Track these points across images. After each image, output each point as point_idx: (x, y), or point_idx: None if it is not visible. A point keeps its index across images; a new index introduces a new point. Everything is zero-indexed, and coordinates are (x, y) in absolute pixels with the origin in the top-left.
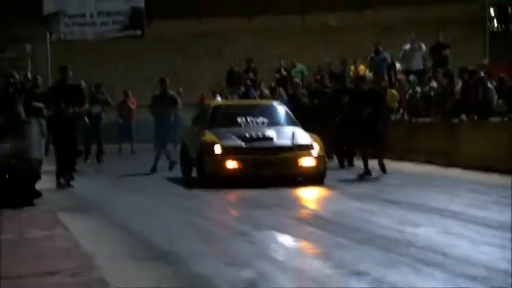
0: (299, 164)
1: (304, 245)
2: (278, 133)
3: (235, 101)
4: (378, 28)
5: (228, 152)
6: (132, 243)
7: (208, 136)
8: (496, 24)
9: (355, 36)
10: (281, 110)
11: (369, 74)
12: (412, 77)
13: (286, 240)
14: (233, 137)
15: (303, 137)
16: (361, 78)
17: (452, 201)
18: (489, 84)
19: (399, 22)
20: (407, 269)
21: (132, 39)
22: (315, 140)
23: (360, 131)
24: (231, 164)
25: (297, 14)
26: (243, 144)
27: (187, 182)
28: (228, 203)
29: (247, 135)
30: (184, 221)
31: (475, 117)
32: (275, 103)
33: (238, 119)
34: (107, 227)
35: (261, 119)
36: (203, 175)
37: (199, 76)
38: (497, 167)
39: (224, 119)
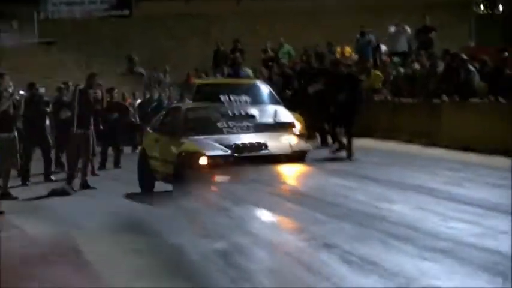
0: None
1: (281, 219)
2: (261, 112)
3: (219, 79)
4: (364, 11)
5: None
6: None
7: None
8: (482, 8)
9: (341, 19)
10: (264, 89)
11: (354, 56)
12: (396, 59)
13: (263, 215)
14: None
15: (285, 115)
16: (336, 62)
17: (430, 179)
18: (471, 67)
19: (386, 5)
20: (377, 243)
21: (119, 18)
22: (296, 119)
23: (334, 113)
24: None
25: None
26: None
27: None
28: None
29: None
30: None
31: (457, 98)
32: (258, 82)
33: (222, 97)
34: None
35: (244, 98)
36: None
37: (185, 56)
38: (477, 147)
39: (208, 97)
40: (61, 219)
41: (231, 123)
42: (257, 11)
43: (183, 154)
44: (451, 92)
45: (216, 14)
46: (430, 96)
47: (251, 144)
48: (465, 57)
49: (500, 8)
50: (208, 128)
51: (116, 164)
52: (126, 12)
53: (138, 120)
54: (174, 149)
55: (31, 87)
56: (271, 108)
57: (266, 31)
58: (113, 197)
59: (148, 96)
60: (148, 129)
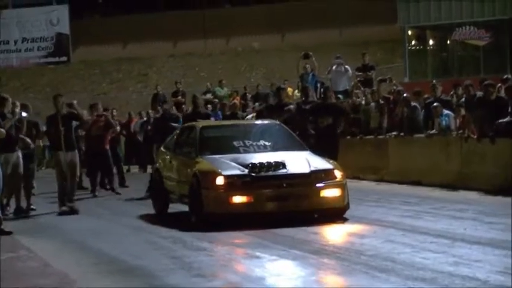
0: (321, 195)
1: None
2: (290, 159)
3: (224, 121)
4: (300, 50)
5: (233, 184)
6: (97, 261)
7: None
8: (413, 43)
9: (278, 58)
10: (282, 131)
11: (297, 95)
12: (339, 96)
13: (244, 252)
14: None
15: (319, 162)
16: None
17: (389, 213)
18: (413, 103)
19: (321, 44)
20: (361, 275)
21: (58, 65)
22: (334, 165)
23: (316, 143)
24: (238, 199)
25: (221, 37)
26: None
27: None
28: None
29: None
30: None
31: (402, 134)
32: (273, 123)
33: (235, 143)
34: (68, 247)
35: (262, 143)
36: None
37: (125, 99)
38: (423, 181)
39: (216, 143)
40: (69, 241)
41: (247, 142)
42: (194, 52)
43: (199, 174)
44: (396, 128)
45: (153, 56)
46: (375, 133)
47: (269, 163)
48: (406, 94)
49: (431, 42)
50: (224, 146)
51: (122, 184)
52: (64, 58)
53: (141, 139)
54: (189, 169)
55: None
56: (299, 154)
57: (204, 71)
58: (119, 219)
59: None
60: (162, 148)
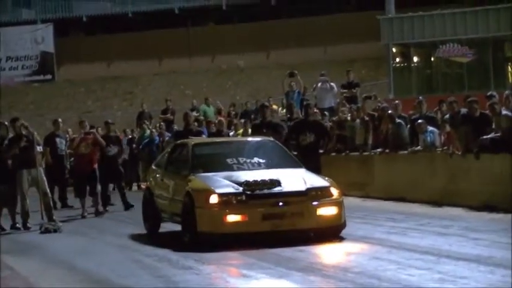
0: (317, 213)
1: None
2: (285, 177)
3: (217, 138)
4: (284, 68)
5: (227, 203)
6: (82, 280)
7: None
8: (398, 60)
9: (263, 76)
10: (276, 148)
11: (282, 112)
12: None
13: (231, 271)
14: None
15: (315, 179)
16: (307, 105)
17: (375, 230)
18: (397, 120)
19: (305, 62)
20: None
21: (43, 83)
22: (330, 182)
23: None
24: (232, 218)
25: (205, 55)
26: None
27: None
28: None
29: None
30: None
31: (387, 151)
32: (266, 140)
33: (229, 161)
34: (52, 266)
35: (256, 160)
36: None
37: (111, 117)
38: (408, 197)
39: (209, 161)
40: (54, 260)
41: (241, 159)
42: (179, 70)
43: (192, 192)
44: (381, 144)
45: (138, 75)
46: (361, 149)
47: (263, 181)
48: (390, 111)
49: (415, 59)
50: (217, 164)
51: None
52: (49, 77)
53: (127, 156)
54: (181, 187)
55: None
56: (294, 172)
57: (190, 89)
58: (105, 237)
59: (140, 133)
60: (153, 166)
